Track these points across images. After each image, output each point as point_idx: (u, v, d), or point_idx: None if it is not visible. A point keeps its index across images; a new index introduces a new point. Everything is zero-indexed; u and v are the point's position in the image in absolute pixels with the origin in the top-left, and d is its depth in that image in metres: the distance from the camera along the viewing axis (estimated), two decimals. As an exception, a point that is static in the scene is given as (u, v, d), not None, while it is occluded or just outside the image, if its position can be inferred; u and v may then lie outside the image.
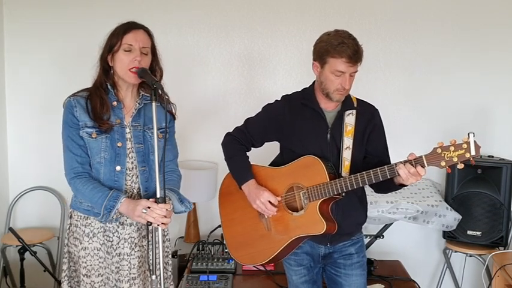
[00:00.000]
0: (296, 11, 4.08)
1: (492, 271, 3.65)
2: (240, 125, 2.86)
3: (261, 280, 3.67)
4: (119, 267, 2.55)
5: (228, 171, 2.87)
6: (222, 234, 3.86)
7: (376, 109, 2.74)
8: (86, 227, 2.53)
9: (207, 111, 4.15)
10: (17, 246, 3.84)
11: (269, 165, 2.83)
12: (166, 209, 2.37)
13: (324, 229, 2.53)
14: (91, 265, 2.54)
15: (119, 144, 2.49)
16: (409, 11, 4.07)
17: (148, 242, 2.55)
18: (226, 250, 3.86)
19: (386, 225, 3.90)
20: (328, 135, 2.63)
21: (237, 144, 2.80)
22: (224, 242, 3.87)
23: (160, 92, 2.44)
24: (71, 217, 2.61)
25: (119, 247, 2.54)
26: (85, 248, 2.54)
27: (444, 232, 3.97)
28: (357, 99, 2.73)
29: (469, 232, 3.86)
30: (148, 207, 2.36)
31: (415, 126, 4.16)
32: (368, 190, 2.78)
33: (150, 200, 2.40)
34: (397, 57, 4.12)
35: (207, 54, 4.14)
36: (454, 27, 4.06)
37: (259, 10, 4.09)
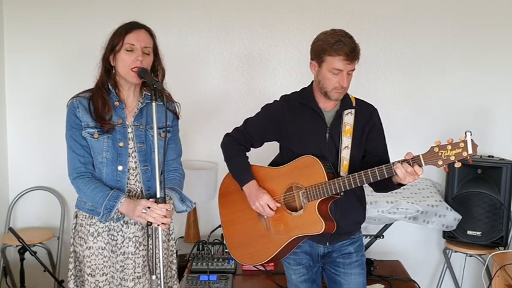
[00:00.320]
0: (296, 11, 4.08)
1: (492, 271, 3.65)
2: (239, 125, 2.86)
3: (261, 280, 3.67)
4: (123, 266, 2.56)
5: (228, 171, 2.87)
6: (222, 234, 3.88)
7: (375, 108, 2.74)
8: (91, 226, 2.55)
9: (207, 111, 4.15)
10: (17, 246, 3.84)
11: (269, 165, 2.83)
12: (166, 209, 2.38)
13: (323, 228, 2.53)
14: (95, 264, 2.56)
15: (121, 144, 2.50)
16: (409, 11, 4.07)
17: (148, 242, 2.56)
18: (226, 250, 3.86)
19: (386, 225, 3.89)
20: (327, 135, 2.63)
21: (236, 145, 2.81)
22: (224, 242, 3.88)
23: (161, 91, 2.44)
24: (76, 217, 2.63)
25: (124, 246, 2.55)
26: (90, 247, 2.55)
27: (444, 232, 3.96)
28: (355, 98, 2.73)
29: (469, 232, 3.86)
30: (148, 207, 2.37)
31: (415, 126, 4.16)
32: (368, 190, 2.79)
33: (150, 200, 2.41)
34: (397, 57, 4.11)
35: (207, 54, 4.14)
36: (454, 27, 4.06)
37: (259, 10, 4.09)
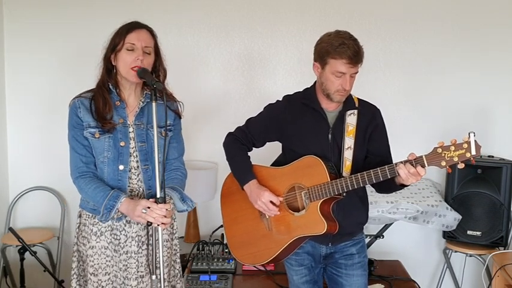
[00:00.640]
0: (296, 11, 4.08)
1: (492, 271, 3.65)
2: (241, 125, 2.86)
3: (261, 280, 3.67)
4: (126, 265, 2.56)
5: (229, 171, 2.87)
6: (222, 234, 3.88)
7: (378, 109, 2.74)
8: (94, 226, 2.55)
9: (207, 111, 4.15)
10: (17, 246, 3.83)
11: (271, 165, 2.83)
12: (166, 209, 2.38)
13: (325, 229, 2.53)
14: (98, 264, 2.56)
15: (122, 143, 2.50)
16: (409, 11, 4.07)
17: (148, 242, 2.56)
18: (226, 250, 3.87)
19: (386, 225, 3.90)
20: (330, 135, 2.63)
21: (238, 144, 2.81)
22: (224, 242, 3.88)
23: (161, 91, 2.44)
24: (80, 216, 2.63)
25: (127, 245, 2.55)
26: (93, 246, 2.55)
27: (444, 232, 3.97)
28: (358, 99, 2.73)
29: (469, 232, 3.86)
30: (148, 207, 2.37)
31: (415, 126, 4.16)
32: (368, 190, 2.79)
33: (150, 200, 2.41)
34: (397, 57, 4.12)
35: (207, 54, 4.14)
36: (454, 27, 4.06)
37: (259, 10, 4.08)
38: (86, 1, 4.05)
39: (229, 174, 2.89)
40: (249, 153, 2.84)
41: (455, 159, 2.25)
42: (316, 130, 2.65)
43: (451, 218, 3.74)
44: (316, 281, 2.82)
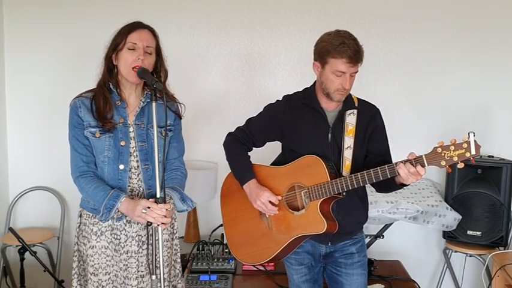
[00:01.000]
0: (296, 11, 4.08)
1: (492, 271, 3.65)
2: (241, 125, 2.86)
3: (261, 280, 3.67)
4: (127, 265, 2.56)
5: (229, 171, 2.88)
6: (222, 234, 3.88)
7: (378, 109, 2.74)
8: (94, 225, 2.55)
9: (207, 111, 4.15)
10: (17, 246, 3.83)
11: (271, 164, 2.84)
12: (166, 209, 2.38)
13: (325, 228, 2.53)
14: (98, 263, 2.56)
15: (122, 143, 2.50)
16: (409, 11, 4.07)
17: (148, 242, 2.56)
18: (226, 250, 3.87)
19: (386, 225, 3.90)
20: (329, 135, 2.64)
21: (238, 144, 2.81)
22: (224, 242, 3.88)
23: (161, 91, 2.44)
24: (80, 216, 2.63)
25: (127, 245, 2.55)
26: (93, 246, 2.56)
27: (444, 232, 3.97)
28: (358, 99, 2.73)
29: (469, 232, 3.86)
30: (148, 207, 2.37)
31: (415, 126, 4.16)
32: (368, 190, 2.79)
33: (150, 200, 2.41)
34: (397, 57, 4.12)
35: (207, 54, 4.14)
36: (454, 27, 4.06)
37: (259, 10, 4.09)
38: (86, 1, 4.05)
39: (229, 173, 2.90)
40: (249, 153, 2.84)
41: (455, 158, 2.25)
42: (316, 130, 2.65)
43: (451, 218, 3.74)
44: (316, 280, 2.82)
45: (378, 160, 2.56)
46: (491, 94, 4.11)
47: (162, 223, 2.38)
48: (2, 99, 4.12)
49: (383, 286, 3.59)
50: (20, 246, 3.74)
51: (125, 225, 2.54)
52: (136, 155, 2.53)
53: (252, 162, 2.81)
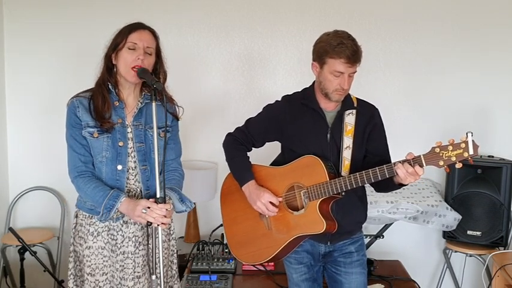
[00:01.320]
0: (296, 11, 4.08)
1: (492, 271, 3.65)
2: (241, 125, 2.86)
3: (261, 280, 3.67)
4: (123, 266, 2.56)
5: (229, 171, 2.87)
6: (222, 234, 3.88)
7: (376, 109, 2.74)
8: (91, 226, 2.55)
9: (206, 111, 4.15)
10: (17, 246, 3.84)
11: (270, 164, 2.84)
12: (166, 209, 2.38)
13: (324, 228, 2.54)
14: (95, 264, 2.56)
15: (120, 143, 2.50)
16: (409, 11, 4.07)
17: (148, 241, 2.56)
18: (226, 250, 3.87)
19: (386, 225, 3.90)
20: (328, 135, 2.64)
21: (237, 145, 2.81)
22: (224, 242, 3.88)
23: (161, 92, 2.44)
24: (76, 216, 2.63)
25: (123, 246, 2.55)
26: (89, 247, 2.55)
27: (444, 232, 3.97)
28: (357, 98, 2.73)
29: (469, 232, 3.86)
30: (148, 207, 2.37)
31: (415, 126, 4.16)
32: (368, 190, 2.79)
33: (150, 200, 2.41)
34: (397, 57, 4.12)
35: (207, 54, 4.14)
36: (454, 27, 4.06)
37: (259, 10, 4.09)
38: (86, 1, 4.06)
39: (229, 173, 2.89)
40: (249, 153, 2.84)
41: (453, 158, 2.26)
42: (315, 130, 2.65)
43: (451, 218, 3.74)
44: (316, 279, 2.83)
45: (377, 160, 2.57)
46: (491, 94, 4.11)
47: (162, 223, 2.38)
48: (2, 99, 4.12)
49: (383, 286, 3.59)
50: (20, 246, 3.75)
51: (122, 225, 2.54)
52: (134, 156, 2.53)
53: (252, 163, 2.81)
